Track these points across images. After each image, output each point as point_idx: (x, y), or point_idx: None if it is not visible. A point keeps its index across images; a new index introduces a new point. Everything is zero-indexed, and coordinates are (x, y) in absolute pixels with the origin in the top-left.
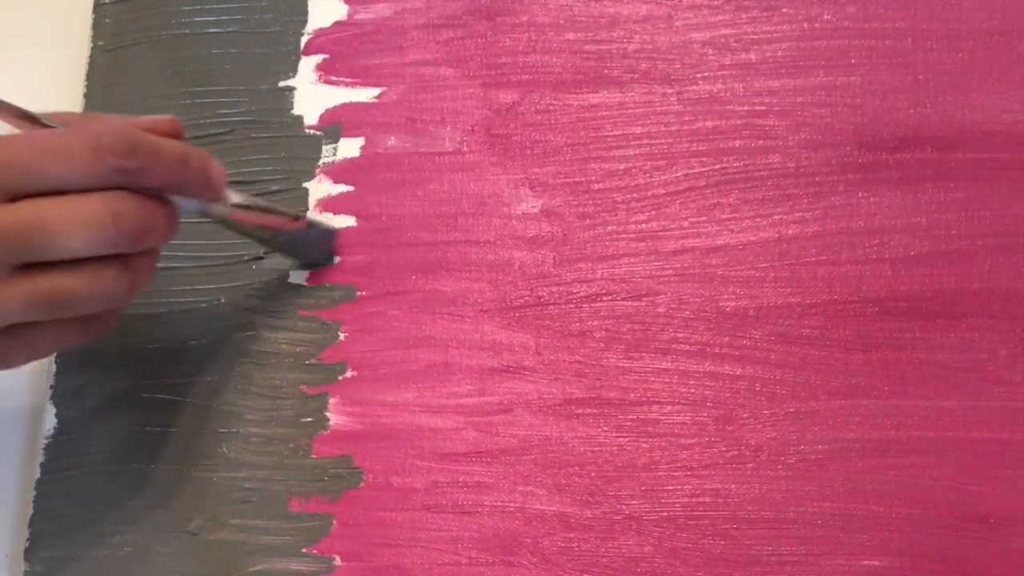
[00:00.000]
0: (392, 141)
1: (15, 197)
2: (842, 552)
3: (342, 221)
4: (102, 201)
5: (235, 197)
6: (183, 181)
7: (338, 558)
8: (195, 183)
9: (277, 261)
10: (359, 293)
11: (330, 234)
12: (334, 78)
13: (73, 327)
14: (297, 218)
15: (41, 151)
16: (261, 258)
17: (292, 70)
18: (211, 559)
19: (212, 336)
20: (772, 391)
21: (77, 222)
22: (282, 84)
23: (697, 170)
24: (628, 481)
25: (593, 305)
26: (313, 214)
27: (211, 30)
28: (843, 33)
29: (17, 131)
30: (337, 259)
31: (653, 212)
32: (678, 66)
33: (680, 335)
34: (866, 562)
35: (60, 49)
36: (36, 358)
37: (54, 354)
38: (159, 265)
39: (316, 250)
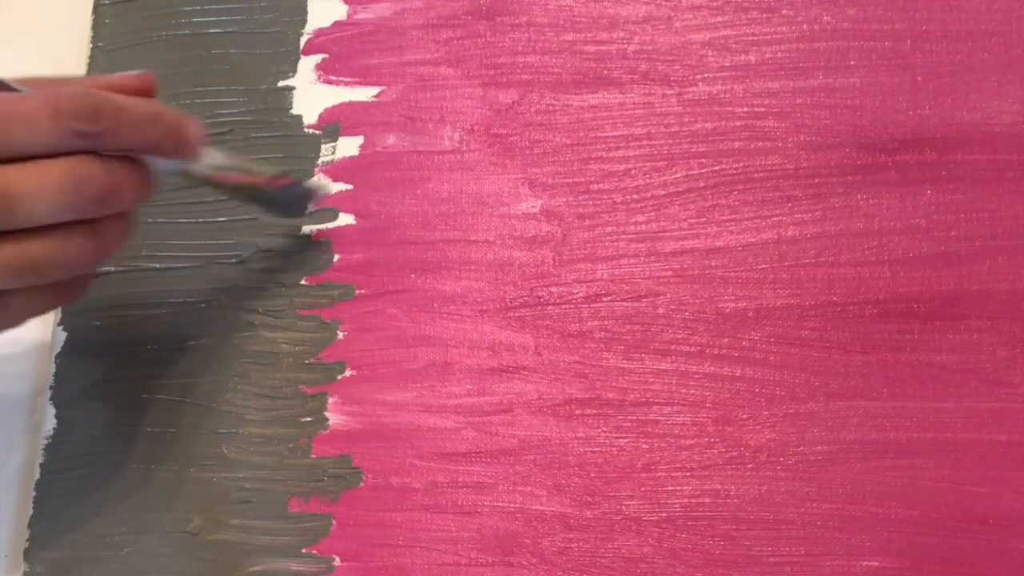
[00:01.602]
0: (391, 140)
1: None
2: (841, 553)
3: (341, 220)
4: (64, 166)
5: (215, 156)
6: (154, 142)
7: (337, 558)
8: (168, 144)
9: (275, 263)
10: (358, 292)
11: (314, 191)
12: (333, 78)
13: (43, 294)
14: (280, 176)
15: (1, 117)
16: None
17: (292, 70)
18: (211, 559)
19: (211, 336)
20: (771, 392)
21: (38, 189)
22: (281, 84)
23: (696, 171)
24: (627, 482)
25: (593, 306)
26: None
27: (211, 30)
28: (842, 35)
29: None
30: (311, 209)
31: (653, 213)
32: (678, 67)
33: (680, 336)
34: (865, 563)
35: (60, 49)
36: (7, 327)
37: (54, 359)
38: (158, 266)
39: (300, 207)
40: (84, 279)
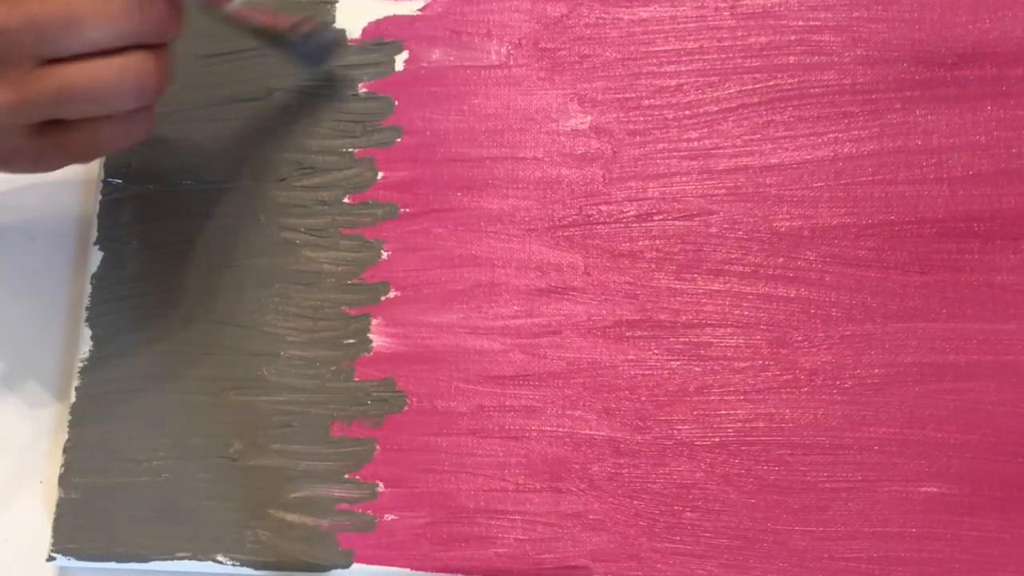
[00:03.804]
0: (436, 55)
1: None
2: (899, 478)
3: (386, 136)
4: None
5: None
6: None
7: (381, 484)
8: None
9: (316, 181)
10: (402, 210)
11: (336, 39)
12: None
13: (107, 127)
14: (304, 21)
15: None
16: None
17: None
18: (251, 485)
19: (251, 256)
20: (827, 313)
21: (103, 10)
22: None
23: (750, 87)
24: (679, 405)
25: (644, 224)
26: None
27: None
28: None
29: None
30: (333, 60)
31: (705, 129)
32: None
33: (733, 256)
34: (924, 488)
35: None
36: (73, 161)
37: (90, 279)
38: (196, 185)
39: (321, 55)
40: (146, 116)
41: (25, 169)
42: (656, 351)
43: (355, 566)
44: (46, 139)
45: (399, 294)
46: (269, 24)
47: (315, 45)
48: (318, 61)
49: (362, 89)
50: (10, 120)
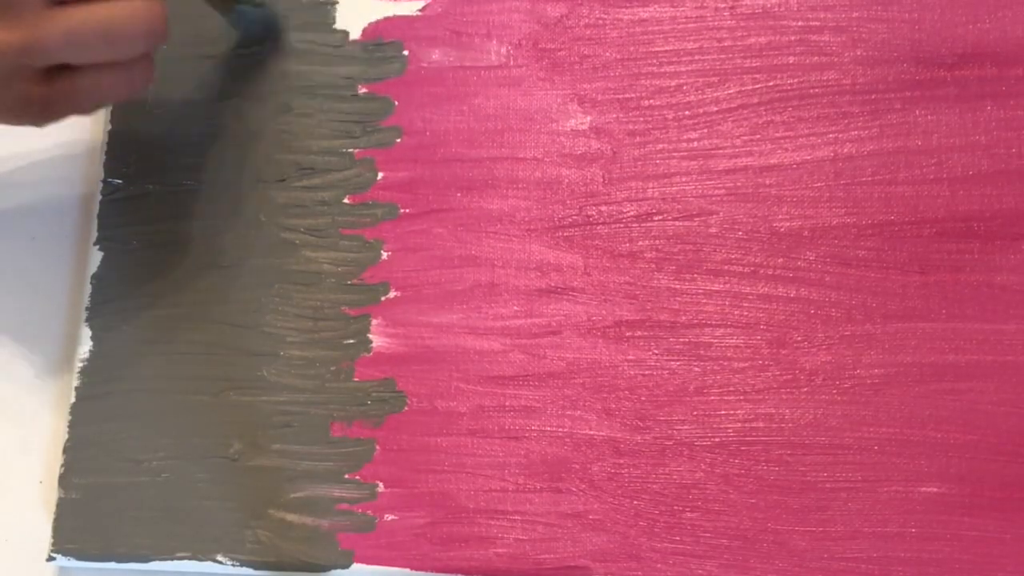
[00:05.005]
0: (436, 55)
1: None
2: (899, 478)
3: (386, 136)
4: None
5: None
6: None
7: (381, 484)
8: None
9: (316, 181)
10: (402, 211)
11: (274, 19)
12: None
13: (111, 73)
14: None
15: None
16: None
17: None
18: (251, 485)
19: (251, 256)
20: (827, 314)
21: None
22: None
23: (750, 87)
24: (679, 406)
25: (643, 225)
26: None
27: None
28: None
29: None
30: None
31: (705, 130)
32: None
33: (733, 256)
34: (924, 489)
35: None
36: (77, 112)
37: (90, 279)
38: (196, 185)
39: (265, 27)
40: (149, 65)
41: (33, 119)
42: (656, 351)
43: (355, 566)
44: (53, 85)
45: (399, 294)
46: None
47: (262, 16)
48: (260, 32)
49: (362, 89)
50: (21, 62)
